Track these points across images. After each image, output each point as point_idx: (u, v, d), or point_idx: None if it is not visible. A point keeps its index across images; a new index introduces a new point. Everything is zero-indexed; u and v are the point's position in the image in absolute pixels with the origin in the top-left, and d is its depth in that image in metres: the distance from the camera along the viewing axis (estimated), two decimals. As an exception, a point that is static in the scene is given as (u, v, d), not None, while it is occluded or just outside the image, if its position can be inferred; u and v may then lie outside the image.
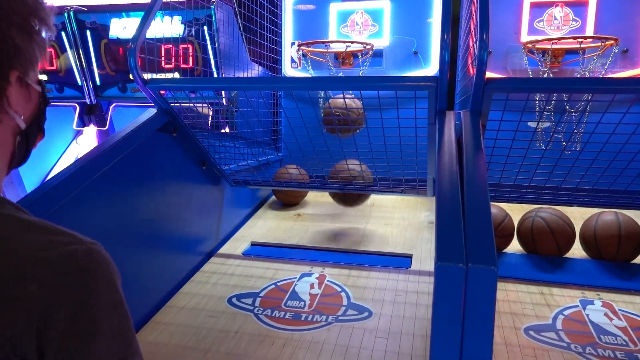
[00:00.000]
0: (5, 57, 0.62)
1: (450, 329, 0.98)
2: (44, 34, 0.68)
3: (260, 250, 2.57)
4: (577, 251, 2.34)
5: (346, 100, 2.20)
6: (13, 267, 0.53)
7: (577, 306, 1.94)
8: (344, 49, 3.18)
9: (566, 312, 1.90)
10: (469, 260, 0.97)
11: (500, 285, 2.10)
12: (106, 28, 3.14)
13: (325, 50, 3.26)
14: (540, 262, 2.26)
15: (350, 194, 2.78)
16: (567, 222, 2.29)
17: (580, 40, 2.84)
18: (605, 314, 1.88)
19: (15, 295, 0.52)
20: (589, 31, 3.02)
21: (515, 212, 2.51)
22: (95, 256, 0.58)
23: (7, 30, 0.61)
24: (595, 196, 2.14)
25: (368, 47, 3.22)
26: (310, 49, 3.26)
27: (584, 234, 2.31)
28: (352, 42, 3.18)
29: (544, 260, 2.27)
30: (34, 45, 0.66)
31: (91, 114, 3.44)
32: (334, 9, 3.46)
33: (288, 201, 3.28)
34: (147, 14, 1.93)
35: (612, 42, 2.82)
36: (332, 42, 3.23)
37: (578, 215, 2.50)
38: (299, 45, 3.31)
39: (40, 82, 0.71)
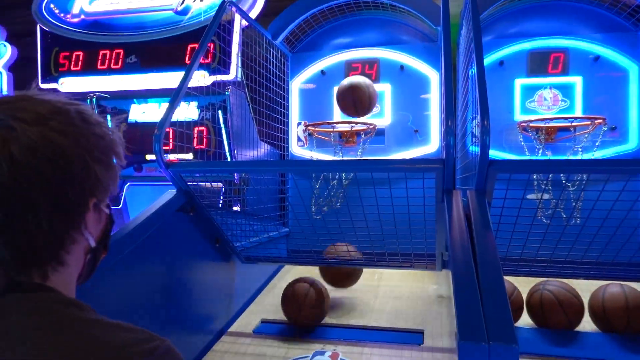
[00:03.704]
0: (88, 188, 0.71)
1: (477, 408, 1.00)
2: (116, 165, 0.78)
3: (270, 328, 2.56)
4: (587, 324, 2.35)
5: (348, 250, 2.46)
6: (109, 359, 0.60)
7: (593, 381, 1.93)
8: (349, 129, 3.37)
9: (583, 388, 1.89)
10: (490, 338, 1.02)
11: (515, 360, 2.09)
12: (126, 112, 3.34)
13: (331, 130, 3.45)
14: (552, 336, 2.26)
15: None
16: (575, 294, 2.33)
17: (571, 119, 3.03)
18: (622, 390, 1.87)
19: None
20: (578, 110, 3.22)
21: (522, 285, 2.54)
22: (175, 351, 0.67)
23: (91, 164, 0.70)
24: (600, 269, 2.19)
25: (371, 127, 3.41)
26: (317, 128, 3.45)
27: (592, 306, 2.33)
28: (357, 122, 3.37)
29: (555, 334, 2.28)
30: (109, 176, 0.76)
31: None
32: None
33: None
34: (173, 100, 2.08)
35: (600, 120, 3.01)
36: (337, 122, 3.43)
37: (584, 288, 2.53)
38: (306, 125, 3.49)
39: (108, 205, 0.81)
